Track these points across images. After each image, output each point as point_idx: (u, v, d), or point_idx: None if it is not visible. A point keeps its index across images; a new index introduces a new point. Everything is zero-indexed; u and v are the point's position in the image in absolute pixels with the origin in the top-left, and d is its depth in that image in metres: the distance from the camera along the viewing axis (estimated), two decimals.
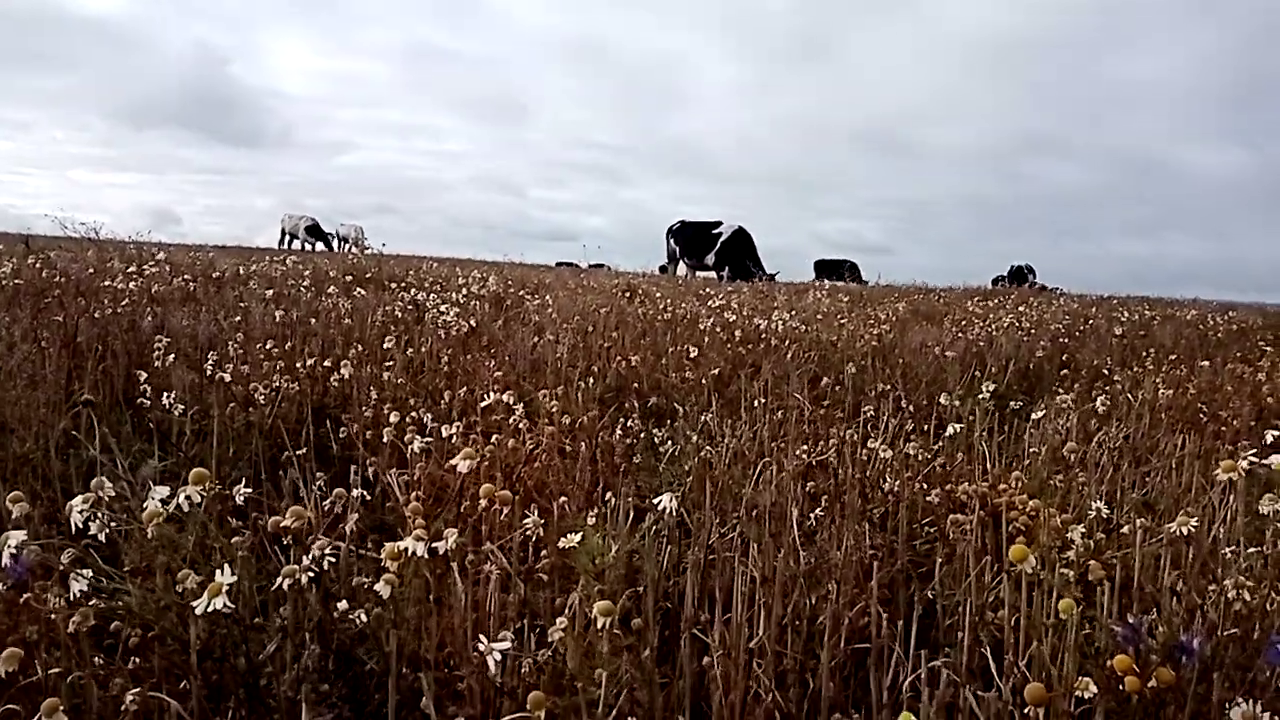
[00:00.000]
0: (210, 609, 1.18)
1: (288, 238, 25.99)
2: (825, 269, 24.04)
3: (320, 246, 24.97)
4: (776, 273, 19.41)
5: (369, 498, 1.82)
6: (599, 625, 1.18)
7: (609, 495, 2.18)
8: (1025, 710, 1.22)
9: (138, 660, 1.42)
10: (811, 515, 2.31)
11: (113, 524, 1.31)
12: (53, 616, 1.21)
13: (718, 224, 21.03)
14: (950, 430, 2.67)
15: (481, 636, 1.25)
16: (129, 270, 6.64)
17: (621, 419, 3.32)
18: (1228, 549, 1.74)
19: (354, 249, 21.12)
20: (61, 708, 1.08)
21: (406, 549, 1.31)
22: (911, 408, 3.84)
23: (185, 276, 7.04)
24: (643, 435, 3.24)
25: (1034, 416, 2.93)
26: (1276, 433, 2.27)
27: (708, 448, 2.78)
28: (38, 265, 6.73)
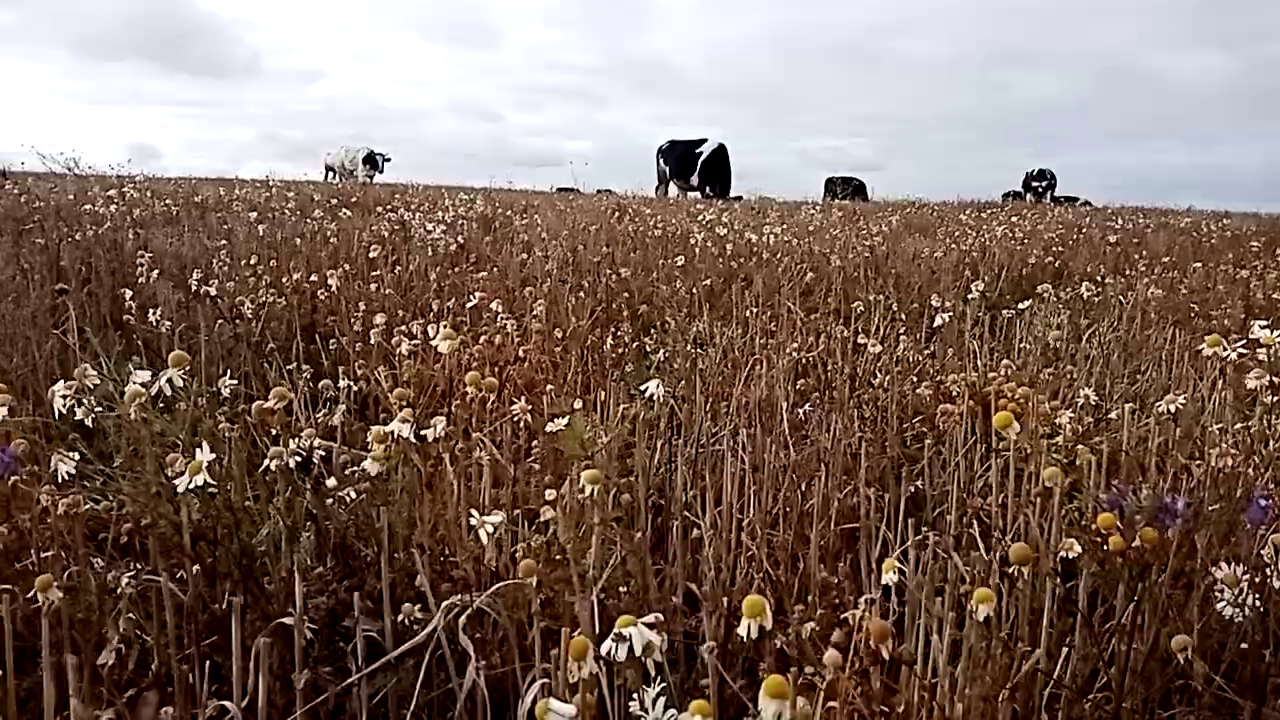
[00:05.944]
0: (192, 485, 1.18)
1: (336, 175, 21.56)
2: (834, 186, 23.70)
3: (378, 176, 20.64)
4: (739, 197, 18.81)
5: (357, 391, 1.82)
6: (586, 493, 1.18)
7: (600, 393, 2.18)
8: (1010, 570, 1.23)
9: (134, 550, 1.43)
10: (801, 411, 2.32)
11: (98, 411, 1.30)
12: (41, 500, 1.21)
13: (703, 141, 20.29)
14: (939, 320, 2.66)
15: (473, 511, 1.26)
16: (109, 194, 6.52)
17: (612, 329, 3.30)
18: (1215, 425, 1.75)
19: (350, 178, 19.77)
20: (55, 584, 1.09)
21: (392, 431, 1.31)
22: (904, 315, 3.84)
23: (167, 201, 6.93)
24: (634, 345, 3.23)
25: (1021, 307, 2.92)
26: (1263, 324, 2.28)
27: (698, 351, 2.78)
28: (18, 193, 6.62)
